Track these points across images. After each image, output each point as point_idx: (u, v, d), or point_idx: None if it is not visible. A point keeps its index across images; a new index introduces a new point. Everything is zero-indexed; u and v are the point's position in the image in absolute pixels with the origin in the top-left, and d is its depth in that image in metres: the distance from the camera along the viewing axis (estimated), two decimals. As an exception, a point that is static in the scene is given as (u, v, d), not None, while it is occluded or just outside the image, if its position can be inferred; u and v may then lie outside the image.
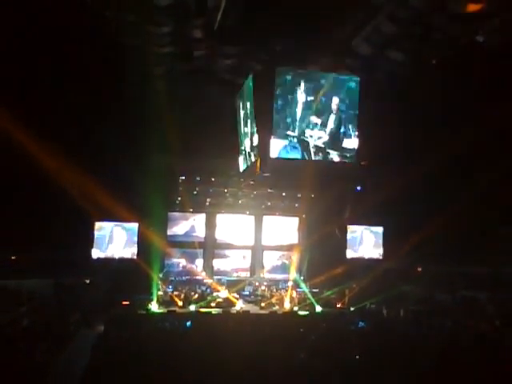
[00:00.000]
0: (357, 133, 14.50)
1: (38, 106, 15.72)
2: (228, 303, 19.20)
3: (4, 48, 13.29)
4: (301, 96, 14.11)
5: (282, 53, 13.79)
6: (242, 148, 15.81)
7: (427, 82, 16.02)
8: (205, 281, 22.26)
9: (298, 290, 21.39)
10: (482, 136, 15.85)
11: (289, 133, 14.20)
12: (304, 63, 14.47)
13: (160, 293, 19.50)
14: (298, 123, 14.18)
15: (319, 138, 14.38)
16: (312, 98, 14.23)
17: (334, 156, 14.54)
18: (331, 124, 14.42)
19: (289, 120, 14.14)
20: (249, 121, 14.53)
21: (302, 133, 14.23)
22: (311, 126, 14.28)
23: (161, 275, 21.03)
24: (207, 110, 17.86)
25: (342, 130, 14.50)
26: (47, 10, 12.38)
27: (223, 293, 20.23)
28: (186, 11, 13.04)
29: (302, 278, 22.80)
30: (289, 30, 13.03)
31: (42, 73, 14.80)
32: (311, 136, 14.33)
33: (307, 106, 14.20)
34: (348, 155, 14.58)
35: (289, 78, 14.07)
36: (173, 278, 21.93)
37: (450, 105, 16.47)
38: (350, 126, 14.58)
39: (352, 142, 14.68)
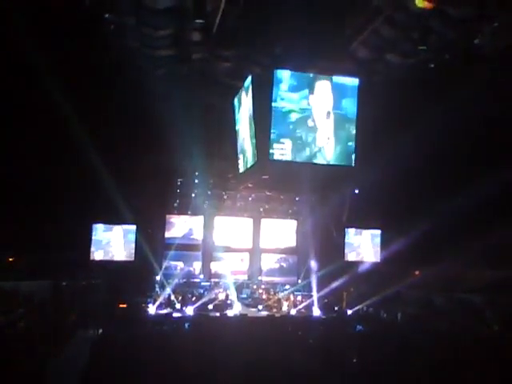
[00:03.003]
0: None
1: (35, 106, 15.73)
2: (226, 306, 19.18)
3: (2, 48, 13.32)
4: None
5: (281, 56, 13.79)
6: (241, 150, 15.80)
7: (426, 85, 16.06)
8: (202, 283, 22.23)
9: (296, 293, 21.37)
10: (482, 137, 15.89)
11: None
12: (303, 66, 14.48)
13: (158, 295, 19.49)
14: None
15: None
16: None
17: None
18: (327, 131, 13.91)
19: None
20: (247, 123, 14.51)
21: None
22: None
23: (158, 277, 21.01)
24: (206, 113, 17.87)
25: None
26: (45, 11, 12.38)
27: (221, 295, 20.24)
28: (185, 14, 13.06)
29: (299, 281, 22.80)
30: (288, 33, 13.05)
31: (40, 74, 14.81)
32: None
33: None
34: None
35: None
36: (170, 281, 21.89)
37: (449, 107, 16.49)
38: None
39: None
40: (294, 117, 13.55)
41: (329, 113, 13.82)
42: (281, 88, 13.42)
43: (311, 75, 13.96)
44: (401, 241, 19.15)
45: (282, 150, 13.56)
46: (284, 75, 13.44)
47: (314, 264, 22.07)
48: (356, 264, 22.36)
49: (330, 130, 13.88)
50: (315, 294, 20.37)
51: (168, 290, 20.32)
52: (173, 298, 19.41)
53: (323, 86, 13.76)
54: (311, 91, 13.63)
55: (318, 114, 13.75)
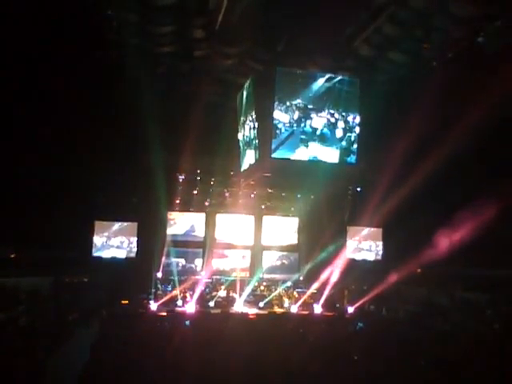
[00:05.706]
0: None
1: (36, 105, 15.73)
2: (227, 303, 19.20)
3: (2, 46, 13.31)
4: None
5: (283, 53, 13.77)
6: (243, 148, 15.79)
7: (428, 84, 16.00)
8: (204, 280, 22.25)
9: (298, 290, 21.39)
10: (482, 137, 15.82)
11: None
12: (304, 64, 14.46)
13: (159, 292, 19.52)
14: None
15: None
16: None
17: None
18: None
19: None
20: (249, 121, 14.50)
21: None
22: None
23: (160, 274, 21.03)
24: (207, 110, 17.84)
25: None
26: (46, 8, 12.37)
27: (222, 292, 20.27)
28: (187, 11, 13.05)
29: (301, 278, 22.80)
30: (290, 30, 13.03)
31: (41, 72, 14.81)
32: None
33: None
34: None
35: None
36: (172, 278, 21.91)
37: (451, 106, 16.44)
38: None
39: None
40: (296, 115, 13.52)
41: (331, 112, 13.78)
42: (283, 85, 13.39)
43: (315, 74, 13.93)
44: (402, 239, 19.12)
45: (284, 148, 13.55)
46: (287, 73, 13.41)
47: (315, 262, 22.07)
48: (357, 262, 22.36)
49: (332, 128, 13.84)
50: (316, 292, 20.40)
51: (169, 287, 20.37)
52: (174, 294, 19.43)
53: (326, 85, 13.72)
54: (314, 90, 13.59)
55: (319, 113, 13.72)
